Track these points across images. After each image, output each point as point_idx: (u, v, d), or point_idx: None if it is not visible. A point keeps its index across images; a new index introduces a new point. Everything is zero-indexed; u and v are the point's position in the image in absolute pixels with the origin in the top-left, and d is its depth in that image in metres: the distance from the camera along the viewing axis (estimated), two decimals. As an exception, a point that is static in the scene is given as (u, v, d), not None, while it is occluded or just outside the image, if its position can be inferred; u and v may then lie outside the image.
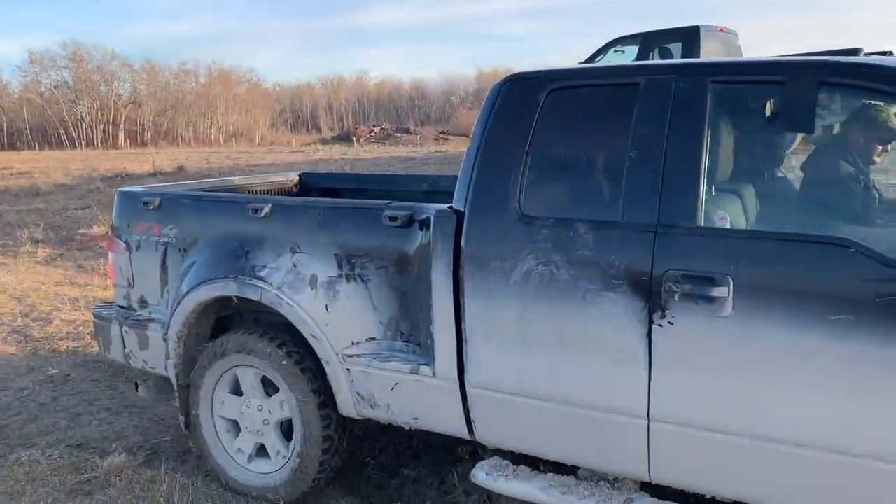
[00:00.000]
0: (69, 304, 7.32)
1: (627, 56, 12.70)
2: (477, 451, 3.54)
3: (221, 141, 63.65)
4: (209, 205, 3.56)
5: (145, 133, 65.66)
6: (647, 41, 12.26)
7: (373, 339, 3.11)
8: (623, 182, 2.53)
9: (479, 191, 2.79)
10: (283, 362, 3.26)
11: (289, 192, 5.03)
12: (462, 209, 2.82)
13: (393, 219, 2.99)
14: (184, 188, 4.25)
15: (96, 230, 11.27)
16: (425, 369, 2.94)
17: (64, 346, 6.06)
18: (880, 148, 2.89)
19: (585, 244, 2.55)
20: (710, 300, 2.33)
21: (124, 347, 3.86)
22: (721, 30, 12.29)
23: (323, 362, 3.17)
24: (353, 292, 3.11)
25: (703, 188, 2.41)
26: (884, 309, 2.11)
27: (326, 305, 3.14)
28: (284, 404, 3.33)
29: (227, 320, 3.74)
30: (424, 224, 2.92)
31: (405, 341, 3.05)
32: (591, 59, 12.65)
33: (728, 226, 2.48)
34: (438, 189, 4.69)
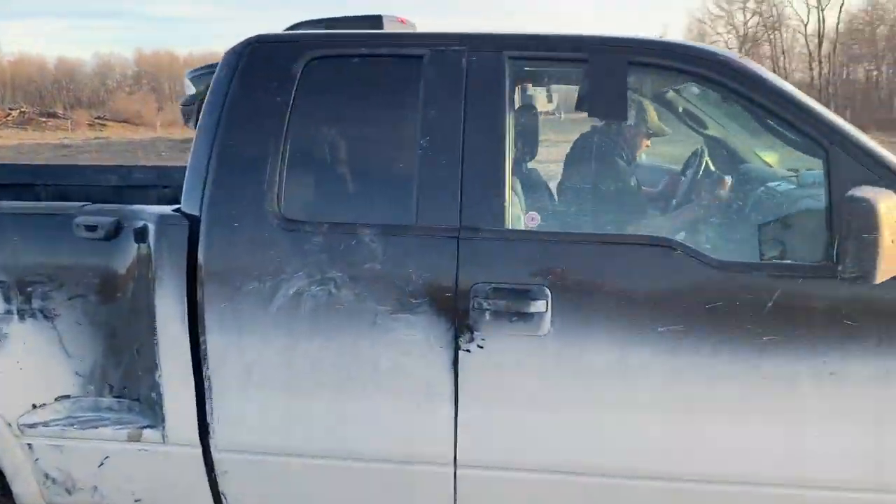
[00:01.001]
0: None
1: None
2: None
3: None
4: None
5: None
6: (331, 27, 11.93)
7: (66, 397, 2.24)
8: (415, 176, 2.04)
9: (222, 189, 2.10)
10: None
11: None
12: (196, 213, 2.11)
13: (91, 228, 2.16)
14: None
15: None
16: (150, 433, 2.17)
17: None
18: (646, 144, 2.79)
19: (373, 255, 2.01)
20: (526, 317, 1.95)
21: None
22: (402, 21, 12.41)
23: (-12, 438, 2.22)
24: (31, 334, 2.20)
25: (509, 183, 2.02)
26: (713, 316, 1.91)
27: (-12, 356, 2.19)
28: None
29: None
30: (140, 234, 2.14)
31: (116, 397, 2.23)
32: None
33: (539, 228, 2.13)
34: (133, 183, 3.80)
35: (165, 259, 2.08)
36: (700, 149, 2.81)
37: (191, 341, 2.09)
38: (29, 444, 2.21)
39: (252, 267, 2.05)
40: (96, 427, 2.18)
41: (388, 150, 2.16)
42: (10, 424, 2.20)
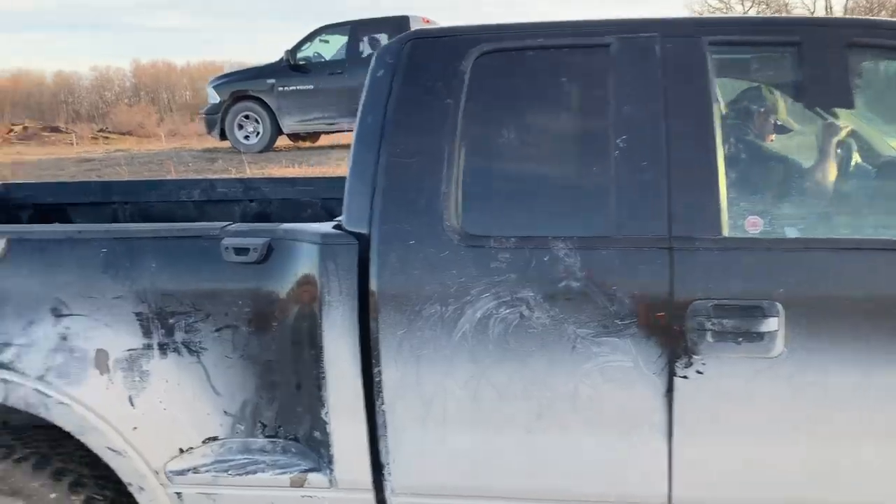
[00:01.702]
0: None
1: (333, 45, 12.05)
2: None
3: None
4: None
5: None
6: (356, 30, 11.72)
7: (213, 439, 2.02)
8: (613, 181, 1.81)
9: (393, 203, 1.88)
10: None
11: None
12: (363, 230, 1.89)
13: (241, 251, 1.94)
14: None
15: None
16: (316, 477, 1.95)
17: None
18: (771, 138, 2.53)
19: (569, 272, 1.79)
20: (755, 337, 1.72)
21: None
22: (426, 21, 12.21)
23: (132, 489, 1.99)
24: (174, 371, 1.98)
25: (723, 184, 1.79)
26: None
27: (130, 397, 1.97)
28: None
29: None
30: (297, 256, 1.92)
31: (269, 437, 2.01)
32: (296, 48, 11.75)
33: (763, 234, 1.89)
34: (216, 198, 3.58)
35: (334, 283, 1.85)
36: (847, 140, 2.58)
37: (362, 374, 1.87)
38: (178, 493, 1.99)
39: (432, 289, 1.83)
40: (253, 472, 1.96)
41: (577, 153, 1.93)
42: (156, 472, 1.97)
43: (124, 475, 1.98)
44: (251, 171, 9.15)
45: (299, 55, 11.58)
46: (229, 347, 1.97)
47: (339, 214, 3.63)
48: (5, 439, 2.11)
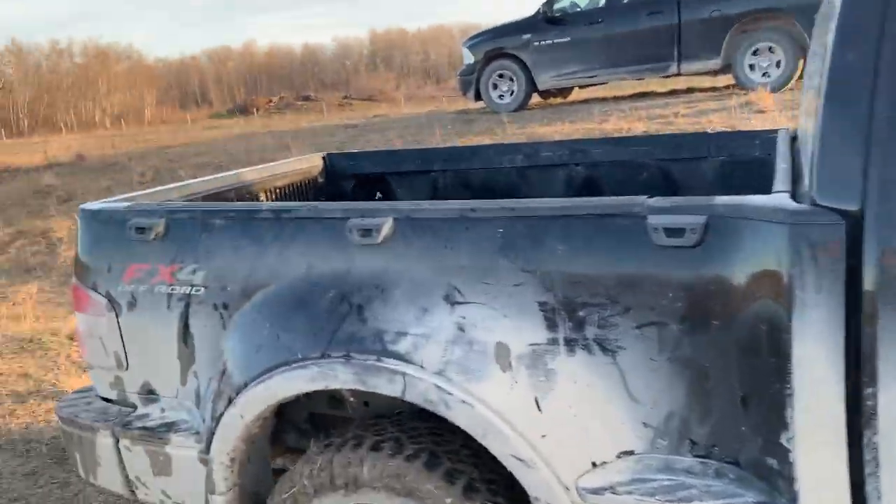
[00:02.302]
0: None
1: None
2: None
3: (107, 124, 58.70)
4: (268, 227, 2.03)
5: (20, 121, 60.11)
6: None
7: (629, 453, 1.72)
8: None
9: (899, 172, 1.42)
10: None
11: (316, 185, 3.51)
12: (853, 207, 1.45)
13: (674, 231, 1.59)
14: (186, 195, 2.70)
15: (-9, 240, 9.21)
16: (766, 512, 1.57)
17: (-28, 416, 4.31)
18: None
19: None
20: None
21: (124, 472, 2.31)
22: None
23: None
24: (584, 372, 1.70)
25: None
26: None
27: (536, 399, 1.72)
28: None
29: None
30: (749, 238, 1.54)
31: (699, 456, 1.67)
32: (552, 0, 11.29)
33: None
34: (540, 163, 3.31)
35: (809, 276, 1.44)
36: None
37: (847, 394, 1.46)
38: (591, 513, 1.72)
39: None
40: (687, 500, 1.62)
41: None
42: (567, 488, 1.71)
43: (531, 488, 1.74)
44: (512, 131, 8.96)
45: (556, 6, 11.14)
46: (654, 348, 1.64)
47: (677, 178, 3.24)
48: (392, 432, 1.97)
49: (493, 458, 1.78)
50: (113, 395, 2.38)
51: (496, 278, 1.76)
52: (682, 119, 8.16)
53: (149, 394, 2.31)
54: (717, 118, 7.83)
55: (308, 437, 2.43)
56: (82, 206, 2.39)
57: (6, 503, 3.43)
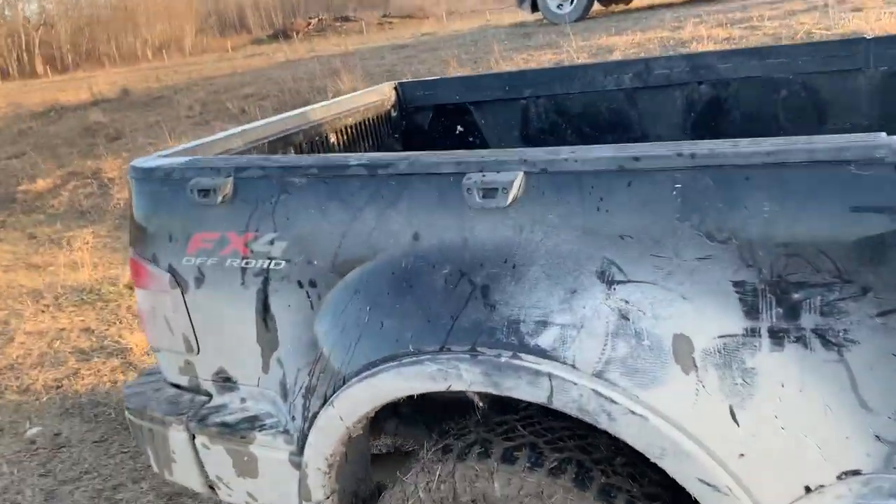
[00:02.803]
0: (31, 303, 5.30)
1: None
2: None
3: (150, 55, 58.40)
4: (361, 186, 1.62)
5: (64, 56, 60.24)
6: None
7: (855, 473, 1.31)
8: None
9: None
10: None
11: (389, 119, 3.08)
12: None
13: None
14: (250, 142, 2.32)
15: (41, 184, 9.02)
16: None
17: (40, 380, 4.09)
18: None
19: None
20: None
21: (203, 471, 2.00)
22: None
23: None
24: (796, 371, 1.28)
25: None
26: None
27: (731, 408, 1.31)
28: None
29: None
30: None
31: (956, 480, 1.26)
32: None
33: None
34: (655, 83, 2.83)
35: None
36: None
37: None
38: (805, 552, 1.33)
39: None
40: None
41: None
42: (774, 520, 1.32)
43: (726, 520, 1.35)
44: (578, 43, 8.29)
45: None
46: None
47: (826, 96, 2.70)
48: (525, 434, 1.60)
49: (656, 466, 1.40)
50: (184, 381, 2.06)
51: (673, 250, 1.33)
52: (768, 23, 7.39)
53: (225, 381, 1.98)
54: (808, 19, 7.06)
55: (410, 424, 2.09)
56: (133, 163, 2.01)
57: (78, 475, 3.22)
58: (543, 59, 7.93)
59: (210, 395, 2.02)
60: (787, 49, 2.65)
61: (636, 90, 2.83)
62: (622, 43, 7.82)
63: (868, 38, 2.54)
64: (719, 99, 2.72)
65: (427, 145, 3.12)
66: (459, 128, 3.17)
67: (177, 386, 2.09)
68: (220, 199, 1.77)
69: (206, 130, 8.92)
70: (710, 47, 6.66)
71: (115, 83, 15.42)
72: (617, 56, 7.34)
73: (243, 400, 1.95)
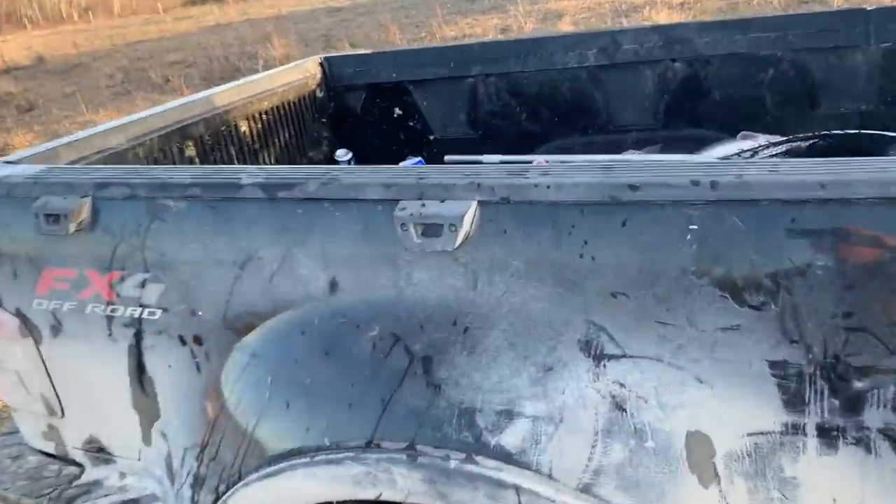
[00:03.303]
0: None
1: None
2: None
3: (76, 17, 55.55)
4: (257, 213, 1.20)
5: (-18, 17, 56.84)
6: None
7: None
8: None
9: None
10: None
11: (314, 101, 2.63)
12: None
13: None
14: (137, 137, 1.86)
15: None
16: None
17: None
18: None
19: None
20: None
21: (73, 567, 1.58)
22: None
23: None
24: (856, 483, 0.93)
25: None
26: None
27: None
28: None
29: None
30: None
31: None
32: None
33: None
34: (623, 60, 2.46)
35: None
36: None
37: None
38: None
39: None
40: None
41: None
42: None
43: None
44: (525, 7, 7.83)
45: None
46: None
47: (819, 75, 2.34)
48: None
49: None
50: (50, 448, 1.62)
51: (685, 316, 0.96)
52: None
53: (99, 452, 1.55)
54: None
55: None
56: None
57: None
58: (489, 24, 7.48)
59: (82, 467, 1.59)
60: (776, 21, 2.29)
61: (601, 68, 2.44)
62: (571, 7, 7.41)
63: (869, 9, 2.19)
64: (697, 78, 2.36)
65: (359, 131, 2.69)
66: (397, 110, 2.74)
67: (43, 453, 1.65)
68: (73, 226, 1.33)
69: (128, 102, 8.24)
70: (665, 12, 6.30)
71: (30, 48, 14.34)
72: (566, 21, 6.92)
73: (122, 475, 1.53)
